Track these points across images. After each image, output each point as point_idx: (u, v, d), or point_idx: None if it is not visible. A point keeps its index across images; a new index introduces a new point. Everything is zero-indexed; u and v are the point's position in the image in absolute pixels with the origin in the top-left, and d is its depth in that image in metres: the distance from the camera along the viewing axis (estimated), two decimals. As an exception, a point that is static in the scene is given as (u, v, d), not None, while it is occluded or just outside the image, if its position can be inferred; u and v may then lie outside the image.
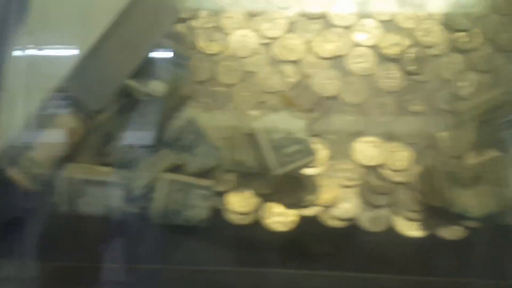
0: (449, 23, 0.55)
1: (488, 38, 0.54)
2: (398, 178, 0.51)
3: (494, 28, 0.55)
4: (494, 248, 0.47)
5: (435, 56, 0.55)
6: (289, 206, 0.50)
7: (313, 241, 0.49)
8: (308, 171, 0.51)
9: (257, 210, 0.50)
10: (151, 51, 0.51)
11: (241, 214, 0.50)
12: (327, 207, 0.50)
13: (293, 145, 0.48)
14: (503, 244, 0.47)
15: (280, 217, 0.50)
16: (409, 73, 0.54)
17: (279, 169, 0.47)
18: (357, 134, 0.53)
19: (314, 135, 0.52)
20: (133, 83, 0.49)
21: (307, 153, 0.48)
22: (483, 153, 0.50)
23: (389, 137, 0.53)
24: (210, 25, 0.56)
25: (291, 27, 0.56)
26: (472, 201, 0.48)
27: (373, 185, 0.51)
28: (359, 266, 0.47)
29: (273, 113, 0.50)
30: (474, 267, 0.47)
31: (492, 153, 0.50)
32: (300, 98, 0.53)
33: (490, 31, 0.55)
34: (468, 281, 0.46)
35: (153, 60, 0.51)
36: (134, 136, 0.49)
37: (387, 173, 0.51)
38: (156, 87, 0.49)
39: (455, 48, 0.55)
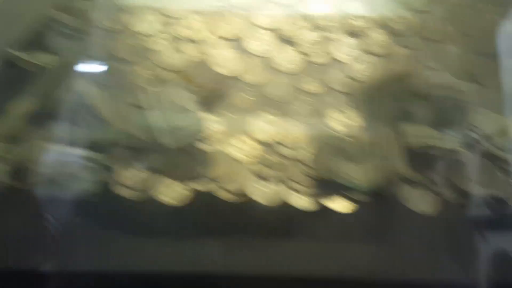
0: (346, 8, 0.58)
1: (382, 23, 0.57)
2: (292, 154, 0.52)
3: (387, 12, 0.57)
4: (379, 218, 0.49)
5: (332, 39, 0.57)
6: (182, 180, 0.49)
7: (205, 215, 0.49)
8: (203, 146, 0.51)
9: (149, 184, 0.49)
10: (43, 24, 0.50)
11: (133, 189, 0.49)
12: (222, 181, 0.50)
13: (185, 119, 0.48)
14: (381, 214, 0.49)
15: (172, 192, 0.49)
16: (306, 55, 0.56)
17: (171, 143, 0.47)
18: (255, 112, 0.53)
19: (212, 112, 0.52)
20: (20, 54, 0.48)
21: (199, 127, 0.48)
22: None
23: (285, 115, 0.54)
24: (112, 2, 0.56)
25: (194, 8, 0.57)
26: (360, 174, 0.49)
27: (268, 161, 0.51)
28: (246, 236, 0.47)
29: (166, 87, 0.50)
30: (357, 236, 0.48)
31: (374, 129, 0.52)
32: (200, 76, 0.54)
33: (384, 16, 0.57)
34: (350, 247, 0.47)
35: (45, 32, 0.50)
36: (21, 107, 0.48)
37: (282, 149, 0.52)
38: (45, 59, 0.48)
39: (351, 32, 0.57)
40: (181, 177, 0.49)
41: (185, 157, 0.50)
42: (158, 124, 0.47)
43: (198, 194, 0.49)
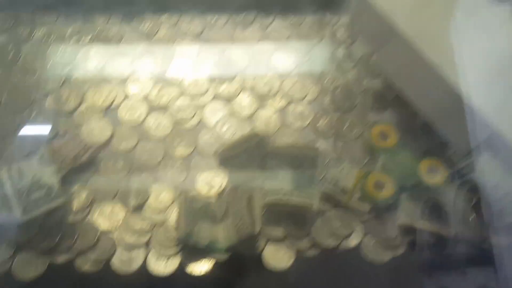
0: (214, 75, 0.61)
1: (246, 87, 0.61)
2: (158, 217, 0.53)
3: (252, 78, 0.61)
4: (238, 277, 0.50)
5: (202, 105, 0.60)
6: (42, 253, 0.50)
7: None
8: (66, 217, 0.52)
9: (8, 259, 0.49)
10: None
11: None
12: (84, 251, 0.51)
13: (39, 190, 0.49)
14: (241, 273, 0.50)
15: (31, 265, 0.49)
16: (176, 122, 0.58)
17: (23, 216, 0.48)
18: (126, 177, 0.55)
19: (79, 182, 0.54)
20: None
21: (54, 198, 0.49)
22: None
23: (154, 179, 0.55)
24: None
25: (65, 81, 0.59)
26: (220, 234, 0.51)
27: (133, 226, 0.52)
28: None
29: (22, 160, 0.51)
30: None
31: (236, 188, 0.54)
32: (68, 147, 0.55)
33: (249, 82, 0.61)
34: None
35: None
36: None
37: (148, 213, 0.53)
38: None
39: (218, 97, 0.60)
40: (42, 250, 0.50)
41: (47, 229, 0.50)
42: (10, 196, 0.48)
43: (57, 266, 0.50)
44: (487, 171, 0.53)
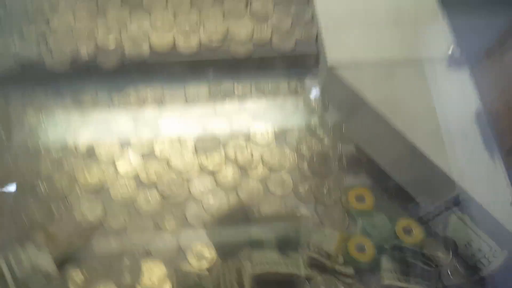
0: (198, 148, 0.65)
1: (230, 159, 0.64)
2: (152, 294, 0.55)
3: (235, 149, 0.65)
4: None
5: (189, 178, 0.63)
6: None
7: None
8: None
9: None
10: None
11: None
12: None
13: (39, 280, 0.51)
14: None
15: None
16: (165, 196, 0.61)
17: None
18: (118, 256, 0.57)
19: (74, 264, 0.56)
20: None
21: (52, 285, 0.51)
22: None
23: (146, 255, 0.58)
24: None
25: (57, 163, 0.62)
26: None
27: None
28: None
29: (19, 248, 0.53)
30: None
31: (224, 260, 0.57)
32: (62, 230, 0.58)
33: (232, 153, 0.65)
34: None
35: None
36: None
37: (142, 290, 0.56)
38: None
39: (204, 170, 0.64)
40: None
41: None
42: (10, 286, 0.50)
43: None
44: (458, 228, 0.57)
